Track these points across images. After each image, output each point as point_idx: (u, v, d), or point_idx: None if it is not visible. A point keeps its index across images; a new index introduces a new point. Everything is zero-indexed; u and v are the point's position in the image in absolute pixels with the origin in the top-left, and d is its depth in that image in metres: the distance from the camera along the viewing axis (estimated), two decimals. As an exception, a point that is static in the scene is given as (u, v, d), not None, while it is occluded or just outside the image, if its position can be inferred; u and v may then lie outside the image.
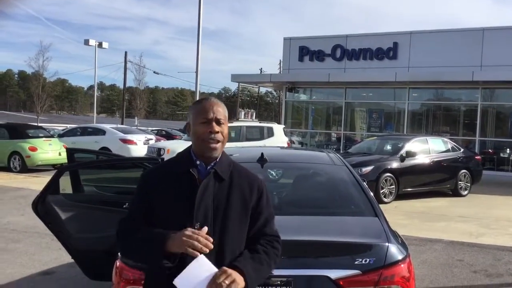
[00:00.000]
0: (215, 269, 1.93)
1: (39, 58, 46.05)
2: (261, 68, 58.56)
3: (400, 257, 2.84)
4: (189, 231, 1.92)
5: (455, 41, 19.50)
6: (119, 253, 2.79)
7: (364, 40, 21.71)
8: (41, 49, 46.55)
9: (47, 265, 6.05)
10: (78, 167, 4.79)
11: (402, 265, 2.83)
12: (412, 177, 12.25)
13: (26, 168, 16.14)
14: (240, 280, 1.94)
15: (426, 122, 21.07)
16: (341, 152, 17.07)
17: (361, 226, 3.25)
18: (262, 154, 3.85)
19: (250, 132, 16.71)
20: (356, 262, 2.74)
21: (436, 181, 12.85)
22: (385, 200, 11.42)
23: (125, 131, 20.00)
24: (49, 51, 50.86)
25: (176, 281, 1.90)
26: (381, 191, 11.47)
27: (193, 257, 1.92)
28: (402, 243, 3.06)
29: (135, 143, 18.69)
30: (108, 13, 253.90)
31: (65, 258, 5.39)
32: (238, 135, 16.29)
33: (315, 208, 3.71)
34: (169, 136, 30.57)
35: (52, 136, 18.39)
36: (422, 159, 12.52)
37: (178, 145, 14.29)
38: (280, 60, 31.99)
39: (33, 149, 16.16)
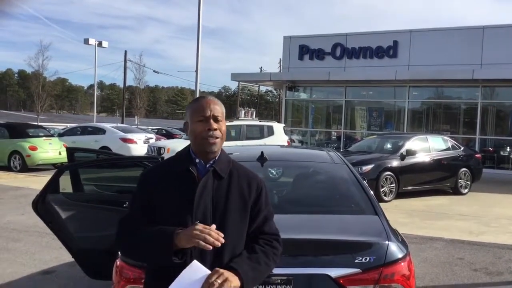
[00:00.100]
0: (208, 272, 1.94)
1: (39, 57, 46.03)
2: (261, 67, 58.55)
3: (400, 255, 2.84)
4: (200, 226, 1.94)
5: (455, 39, 19.50)
6: (119, 252, 2.80)
7: (364, 38, 21.70)
8: (41, 48, 46.52)
9: (48, 264, 6.05)
10: (78, 166, 4.79)
11: (402, 263, 2.83)
12: (413, 175, 12.26)
13: (26, 167, 16.15)
14: (233, 279, 1.94)
15: (426, 121, 21.08)
16: (341, 150, 17.06)
17: (361, 225, 3.25)
18: (262, 152, 3.85)
19: (250, 131, 16.71)
20: (356, 261, 2.74)
21: (437, 179, 12.86)
22: (386, 198, 11.42)
23: (125, 130, 20.00)
24: (49, 50, 50.96)
25: (171, 287, 1.92)
26: (382, 190, 11.48)
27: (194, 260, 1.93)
28: (402, 242, 3.06)
29: (135, 142, 18.69)
30: (108, 12, 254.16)
31: (66, 257, 5.40)
32: (238, 134, 16.29)
33: (315, 206, 3.71)
34: (169, 135, 30.57)
35: (52, 136, 18.39)
36: (422, 157, 12.52)
37: (178, 144, 14.27)
38: (280, 59, 31.98)
39: (33, 148, 16.17)
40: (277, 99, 78.68)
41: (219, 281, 1.90)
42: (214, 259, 2.02)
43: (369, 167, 11.56)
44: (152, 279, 2.13)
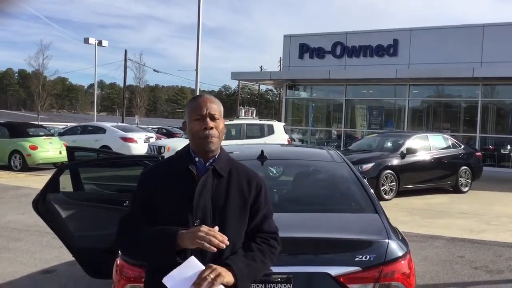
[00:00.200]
0: (203, 267, 1.95)
1: (39, 56, 46.05)
2: (261, 66, 58.46)
3: (400, 253, 2.85)
4: (205, 228, 1.95)
5: (456, 37, 19.48)
6: (119, 251, 2.80)
7: (364, 37, 21.69)
8: (41, 47, 46.57)
9: (48, 264, 6.06)
10: (78, 165, 4.79)
11: (402, 262, 2.83)
12: (413, 174, 12.26)
13: (27, 166, 16.15)
14: (226, 274, 1.95)
15: (426, 119, 21.07)
16: (342, 149, 17.07)
17: (361, 223, 3.25)
18: (262, 151, 3.84)
19: (250, 130, 16.71)
20: (357, 259, 2.74)
21: (437, 177, 12.85)
22: (386, 197, 11.42)
23: (125, 130, 20.00)
24: (49, 49, 51.03)
25: (164, 280, 1.93)
26: (382, 188, 11.48)
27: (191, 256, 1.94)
28: (403, 240, 3.06)
29: (136, 141, 18.69)
30: (108, 12, 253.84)
31: (66, 256, 5.42)
32: (239, 132, 16.28)
33: (315, 205, 3.72)
34: (170, 134, 30.60)
35: (52, 135, 18.42)
36: (422, 156, 12.53)
37: (179, 143, 14.28)
38: (280, 58, 31.97)
39: (34, 147, 16.18)
40: (277, 98, 78.69)
41: (211, 276, 1.91)
42: (214, 258, 2.02)
43: (370, 165, 11.56)
44: (152, 279, 2.13)
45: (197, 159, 2.15)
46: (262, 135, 16.51)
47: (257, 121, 18.29)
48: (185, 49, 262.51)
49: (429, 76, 19.05)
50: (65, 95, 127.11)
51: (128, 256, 2.67)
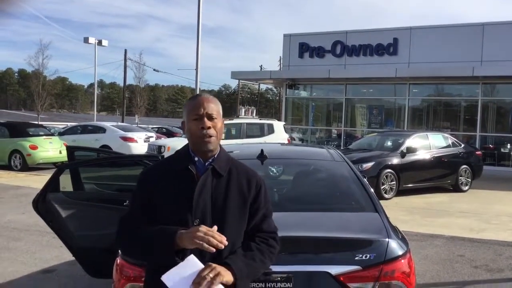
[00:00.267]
0: (202, 266, 1.95)
1: (39, 56, 45.99)
2: (261, 65, 58.49)
3: (400, 252, 2.85)
4: (204, 228, 1.94)
5: (455, 36, 19.48)
6: (119, 250, 2.80)
7: (364, 36, 21.68)
8: (41, 47, 46.51)
9: (48, 263, 6.06)
10: (78, 165, 4.79)
11: (402, 261, 2.83)
12: (413, 173, 12.26)
13: (27, 166, 16.16)
14: (226, 273, 1.95)
15: (426, 118, 21.07)
16: (342, 148, 17.07)
17: (361, 222, 3.25)
18: (262, 150, 3.84)
19: (250, 129, 16.71)
20: (357, 258, 2.74)
21: (437, 176, 12.85)
22: (386, 196, 11.43)
23: (125, 129, 20.00)
24: (49, 49, 50.66)
25: (163, 278, 1.93)
26: (382, 187, 11.48)
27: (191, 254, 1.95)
28: (403, 239, 3.06)
29: (136, 141, 18.69)
30: (108, 11, 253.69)
31: (66, 256, 5.42)
32: (239, 132, 16.28)
33: (315, 204, 3.72)
34: (170, 134, 30.56)
35: (52, 134, 18.43)
36: (422, 155, 12.53)
37: (179, 143, 14.27)
38: (280, 57, 31.96)
39: (34, 147, 16.18)
40: (277, 97, 78.67)
41: (211, 275, 1.91)
42: (214, 257, 2.02)
43: (370, 164, 11.56)
44: (152, 278, 2.13)
45: (196, 158, 2.15)
46: (262, 134, 16.51)
47: (257, 121, 18.29)
48: (185, 48, 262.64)
49: (429, 75, 19.04)
50: (65, 94, 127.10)
51: (128, 255, 2.67)
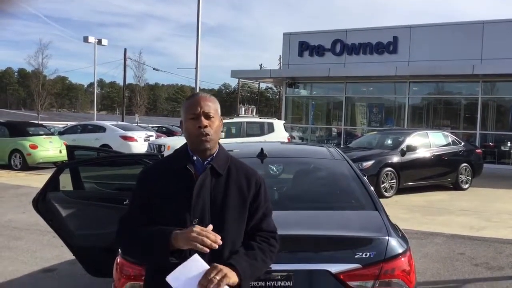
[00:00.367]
0: (207, 266, 1.94)
1: (39, 55, 46.03)
2: (261, 64, 58.49)
3: (400, 250, 2.85)
4: (197, 228, 1.93)
5: (455, 34, 19.46)
6: (119, 250, 2.80)
7: (363, 34, 21.67)
8: (41, 46, 46.55)
9: (49, 262, 6.06)
10: (78, 164, 4.79)
11: (402, 259, 2.83)
12: (413, 171, 12.25)
13: (27, 165, 16.16)
14: (232, 275, 1.95)
15: (426, 116, 21.07)
16: (342, 147, 17.07)
17: (361, 220, 3.25)
18: (261, 149, 3.84)
19: (250, 128, 16.72)
20: (357, 256, 2.74)
21: (437, 175, 12.86)
22: (386, 194, 11.43)
23: (125, 128, 19.99)
24: (49, 48, 50.95)
25: (168, 278, 1.92)
26: (382, 186, 11.48)
27: (195, 254, 1.95)
28: (403, 237, 3.06)
29: (136, 140, 18.70)
30: (108, 10, 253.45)
31: (67, 255, 5.42)
32: (239, 131, 16.30)
33: (315, 202, 3.72)
34: (170, 133, 30.56)
35: (52, 134, 18.43)
36: (422, 153, 12.52)
37: (179, 142, 14.24)
38: (280, 56, 31.96)
39: (34, 147, 16.18)
40: (277, 96, 78.65)
41: (217, 277, 1.90)
42: (214, 256, 2.02)
43: (370, 163, 11.56)
44: (152, 278, 2.13)
45: (195, 157, 2.14)
46: (262, 133, 16.52)
47: (257, 119, 18.30)
48: (185, 47, 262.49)
49: (429, 73, 19.03)
50: (65, 94, 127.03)
51: (127, 255, 2.68)
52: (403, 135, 12.98)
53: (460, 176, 13.06)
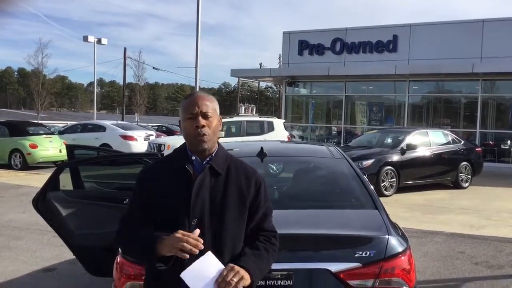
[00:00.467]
0: (222, 266, 1.95)
1: (39, 55, 45.94)
2: (261, 63, 58.41)
3: (400, 249, 2.84)
4: (179, 234, 1.92)
5: (455, 33, 19.46)
6: (119, 249, 2.80)
7: (363, 33, 21.66)
8: (40, 46, 46.45)
9: (49, 262, 6.07)
10: (78, 163, 4.79)
11: (402, 258, 2.83)
12: (413, 170, 12.25)
13: (27, 165, 16.16)
14: (247, 277, 1.96)
15: (426, 115, 21.07)
16: (342, 145, 17.07)
17: (361, 219, 3.25)
18: (261, 148, 3.85)
19: (250, 127, 16.72)
20: (357, 255, 2.74)
21: (437, 173, 12.86)
22: (386, 193, 11.43)
23: (125, 128, 19.98)
24: (49, 48, 50.87)
25: (183, 275, 1.92)
26: (382, 184, 11.48)
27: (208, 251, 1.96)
28: (403, 236, 3.06)
29: (136, 139, 18.70)
30: (107, 10, 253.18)
31: (67, 254, 5.42)
32: (239, 130, 16.30)
33: (315, 201, 3.72)
34: (170, 132, 30.57)
35: (52, 133, 18.43)
36: (422, 151, 12.52)
37: (179, 141, 14.20)
38: (279, 55, 31.96)
39: (34, 146, 16.18)
40: (277, 95, 78.58)
41: (235, 279, 1.92)
42: (214, 255, 2.02)
43: (370, 161, 11.57)
44: (152, 277, 2.13)
45: (193, 157, 2.13)
46: (262, 132, 16.52)
47: (257, 118, 18.28)
48: (185, 46, 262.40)
49: (428, 72, 19.03)
50: (65, 93, 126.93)
51: (127, 255, 2.68)
52: (403, 133, 12.97)
53: (460, 174, 13.06)
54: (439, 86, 21.00)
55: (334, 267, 2.69)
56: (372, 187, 3.74)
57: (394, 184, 11.75)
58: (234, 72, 25.26)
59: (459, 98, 20.87)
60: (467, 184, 13.14)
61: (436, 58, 19.14)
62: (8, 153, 16.34)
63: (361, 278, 2.72)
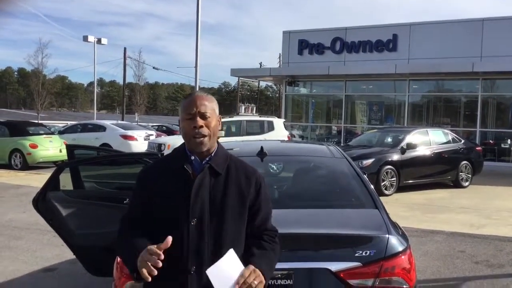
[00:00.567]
0: (242, 266, 1.96)
1: (39, 55, 45.96)
2: (261, 62, 58.40)
3: (400, 248, 2.85)
4: (144, 251, 1.90)
5: (455, 32, 19.46)
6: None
7: (363, 32, 21.66)
8: (40, 46, 46.47)
9: (49, 262, 6.07)
10: (78, 163, 4.78)
11: (402, 257, 2.83)
12: (413, 169, 12.26)
13: (27, 165, 16.17)
14: (263, 279, 1.98)
15: (426, 114, 21.06)
16: (342, 145, 17.07)
17: (361, 218, 3.25)
18: (261, 148, 3.85)
19: (250, 126, 16.72)
20: (357, 254, 2.74)
21: (437, 172, 12.86)
22: (386, 192, 11.43)
23: (125, 127, 19.99)
24: (48, 48, 50.92)
25: (209, 271, 1.94)
26: (382, 184, 11.48)
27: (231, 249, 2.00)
28: (403, 235, 3.06)
29: (136, 139, 18.70)
30: (107, 9, 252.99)
31: (67, 254, 5.42)
32: (239, 129, 16.30)
33: (315, 201, 3.72)
34: (170, 132, 30.57)
35: (52, 133, 18.43)
36: (423, 151, 12.52)
37: (179, 141, 14.13)
38: (279, 54, 31.95)
39: (34, 146, 16.19)
40: (277, 95, 78.60)
41: (256, 282, 1.94)
42: (214, 255, 2.02)
43: (370, 161, 11.57)
44: (152, 277, 2.12)
45: (193, 157, 2.13)
46: (262, 131, 16.52)
47: (257, 118, 18.28)
48: (185, 46, 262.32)
49: (428, 71, 19.02)
50: (65, 93, 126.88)
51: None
52: (403, 133, 12.97)
53: (460, 173, 13.06)
54: (439, 85, 20.99)
55: (334, 266, 2.70)
56: (372, 186, 3.74)
57: (394, 184, 11.76)
58: (234, 72, 25.26)
59: (459, 97, 20.86)
60: (467, 183, 13.14)
61: (436, 57, 19.13)
62: (8, 153, 16.34)
63: (361, 278, 2.72)
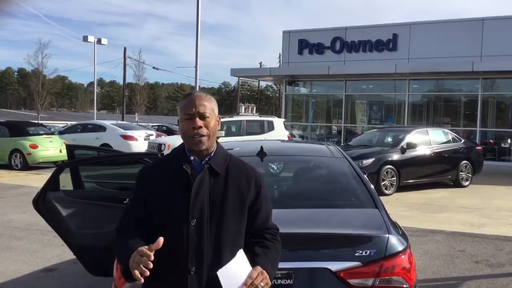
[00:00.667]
0: (250, 267, 1.97)
1: (38, 55, 46.06)
2: (261, 62, 58.39)
3: (400, 248, 2.85)
4: (135, 253, 1.88)
5: (455, 31, 19.46)
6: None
7: (363, 32, 21.66)
8: (40, 46, 46.59)
9: (50, 262, 6.07)
10: (78, 163, 4.78)
11: (402, 256, 2.83)
12: (413, 168, 12.26)
13: (27, 165, 16.18)
14: (269, 281, 2.00)
15: (426, 114, 21.06)
16: (342, 145, 17.06)
17: (361, 218, 3.25)
18: (261, 147, 3.85)
19: (250, 126, 16.72)
20: (357, 254, 2.74)
21: (437, 172, 12.86)
22: (387, 192, 11.43)
23: (125, 127, 19.99)
24: (48, 48, 51.02)
25: (219, 272, 1.95)
26: (382, 183, 11.48)
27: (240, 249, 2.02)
28: (403, 234, 3.06)
29: (136, 139, 18.70)
30: (107, 9, 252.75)
31: (68, 254, 5.43)
32: (239, 129, 16.30)
33: (315, 200, 3.72)
34: (170, 132, 30.57)
35: (52, 133, 18.45)
36: (423, 150, 12.52)
37: (179, 140, 14.08)
38: (279, 54, 31.96)
39: (34, 146, 16.20)
40: (277, 94, 78.61)
41: (262, 284, 1.95)
42: (214, 255, 2.02)
43: (370, 160, 11.57)
44: (152, 277, 2.12)
45: (192, 157, 2.12)
46: (262, 131, 16.52)
47: (257, 118, 18.29)
48: (185, 46, 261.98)
49: (428, 70, 19.02)
50: (65, 93, 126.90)
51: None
52: (403, 132, 12.98)
53: (461, 173, 13.06)
54: (439, 84, 20.99)
55: (334, 266, 2.70)
56: (372, 186, 3.75)
57: (395, 183, 11.76)
58: (234, 72, 25.25)
59: (459, 97, 20.86)
60: (467, 183, 13.14)
61: (436, 56, 19.13)
62: (8, 153, 16.35)
63: (362, 277, 2.72)
